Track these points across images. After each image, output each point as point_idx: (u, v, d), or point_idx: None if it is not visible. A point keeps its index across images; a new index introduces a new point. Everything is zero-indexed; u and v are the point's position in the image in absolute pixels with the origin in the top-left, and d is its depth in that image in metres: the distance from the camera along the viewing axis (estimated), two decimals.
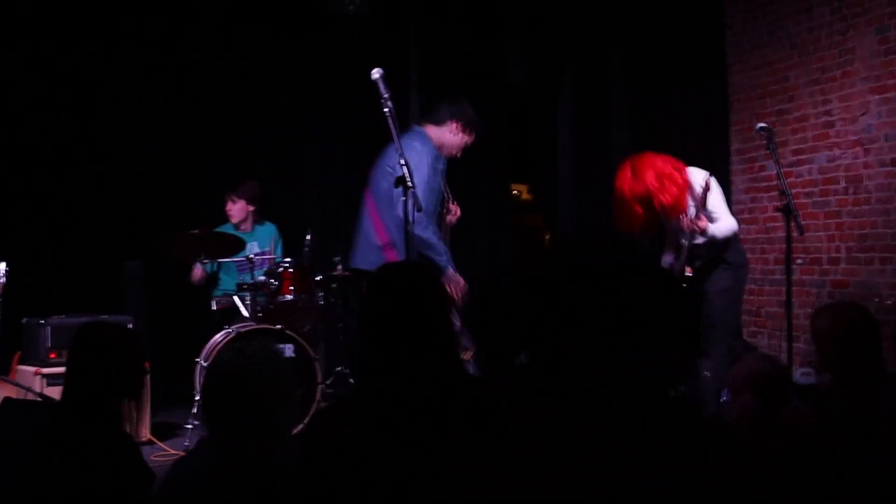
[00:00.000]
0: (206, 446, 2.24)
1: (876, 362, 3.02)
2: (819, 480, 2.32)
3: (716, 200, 4.82)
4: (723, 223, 4.80)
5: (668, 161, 4.91)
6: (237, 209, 5.99)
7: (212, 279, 6.01)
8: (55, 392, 4.09)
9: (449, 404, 1.91)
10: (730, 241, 4.87)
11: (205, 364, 5.00)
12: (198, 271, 5.81)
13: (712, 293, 4.86)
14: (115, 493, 2.36)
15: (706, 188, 4.72)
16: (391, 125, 4.14)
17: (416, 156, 4.46)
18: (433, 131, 4.82)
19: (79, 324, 2.73)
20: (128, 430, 2.57)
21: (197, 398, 4.98)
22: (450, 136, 4.84)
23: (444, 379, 1.95)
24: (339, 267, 5.88)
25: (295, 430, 4.46)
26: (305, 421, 4.77)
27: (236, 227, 6.00)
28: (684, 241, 4.81)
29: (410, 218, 3.89)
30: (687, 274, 5.03)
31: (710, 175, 4.81)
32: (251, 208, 6.05)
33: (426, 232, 4.46)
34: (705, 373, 4.81)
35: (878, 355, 3.03)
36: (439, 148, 4.78)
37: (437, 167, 4.72)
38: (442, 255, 4.56)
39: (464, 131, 4.86)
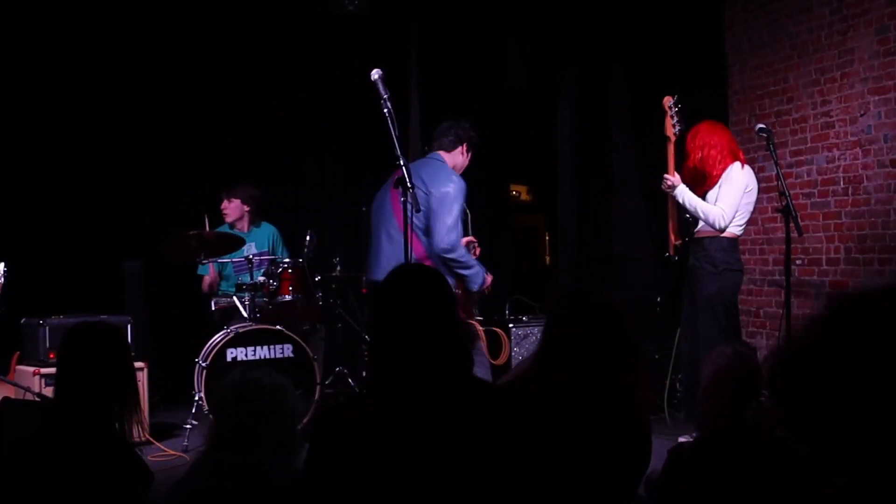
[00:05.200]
0: (203, 464, 2.25)
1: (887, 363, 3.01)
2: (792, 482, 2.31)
3: (724, 190, 4.88)
4: (712, 207, 4.85)
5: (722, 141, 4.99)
6: (232, 208, 5.99)
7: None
8: (52, 393, 4.10)
9: (457, 408, 1.91)
10: (719, 242, 4.88)
11: (204, 364, 5.00)
12: (207, 279, 5.87)
13: (703, 299, 4.88)
14: (111, 492, 2.36)
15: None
16: (390, 126, 4.15)
17: (460, 192, 4.71)
18: (448, 158, 4.89)
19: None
20: (122, 429, 2.56)
21: (196, 398, 4.98)
22: (461, 158, 4.95)
23: (452, 383, 1.95)
24: (339, 268, 5.89)
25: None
26: (304, 421, 4.76)
27: (231, 226, 6.00)
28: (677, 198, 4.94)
29: (410, 218, 3.90)
30: (675, 243, 5.06)
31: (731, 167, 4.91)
32: (247, 209, 6.04)
33: (459, 252, 4.65)
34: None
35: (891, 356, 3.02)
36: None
37: None
38: (474, 265, 4.73)
39: (468, 151, 4.98)
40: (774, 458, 2.16)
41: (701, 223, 4.97)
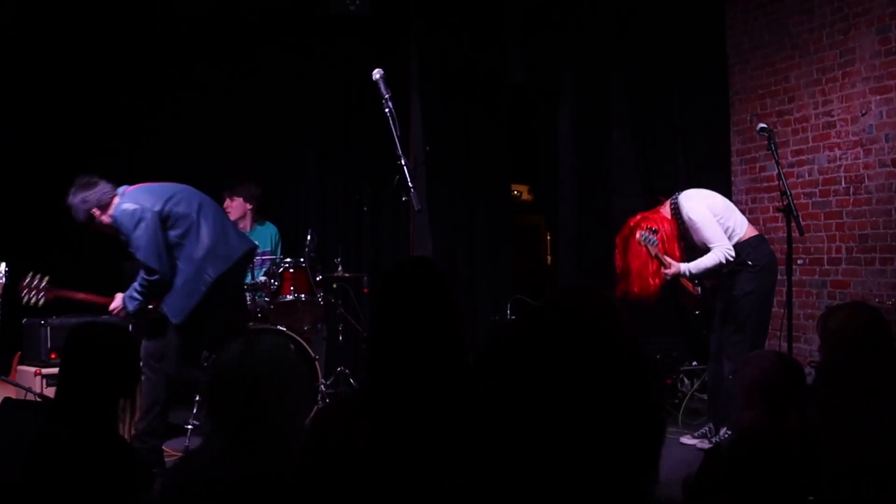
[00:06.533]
0: (215, 441, 2.22)
1: (886, 362, 3.02)
2: (829, 485, 2.30)
3: (703, 232, 4.89)
4: (709, 255, 4.86)
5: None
6: (234, 207, 6.00)
7: None
8: (54, 392, 4.09)
9: (456, 404, 1.90)
10: (746, 244, 4.90)
11: (204, 364, 4.99)
12: None
13: (737, 296, 4.89)
14: (111, 492, 2.35)
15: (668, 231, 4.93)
16: (392, 125, 4.15)
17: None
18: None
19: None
20: (122, 430, 2.56)
21: (197, 398, 4.97)
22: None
23: (451, 378, 1.94)
24: (340, 268, 5.88)
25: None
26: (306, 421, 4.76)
27: (234, 225, 5.99)
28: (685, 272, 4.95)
29: (413, 218, 3.90)
30: (697, 295, 5.08)
31: (673, 212, 4.97)
32: (249, 207, 6.05)
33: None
34: (729, 376, 4.82)
35: (888, 356, 3.03)
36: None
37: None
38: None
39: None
40: (815, 463, 2.15)
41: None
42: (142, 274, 4.47)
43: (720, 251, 4.83)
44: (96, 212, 4.51)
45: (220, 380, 2.24)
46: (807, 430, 2.73)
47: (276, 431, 2.17)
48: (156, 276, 4.43)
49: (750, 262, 4.87)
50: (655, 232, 4.89)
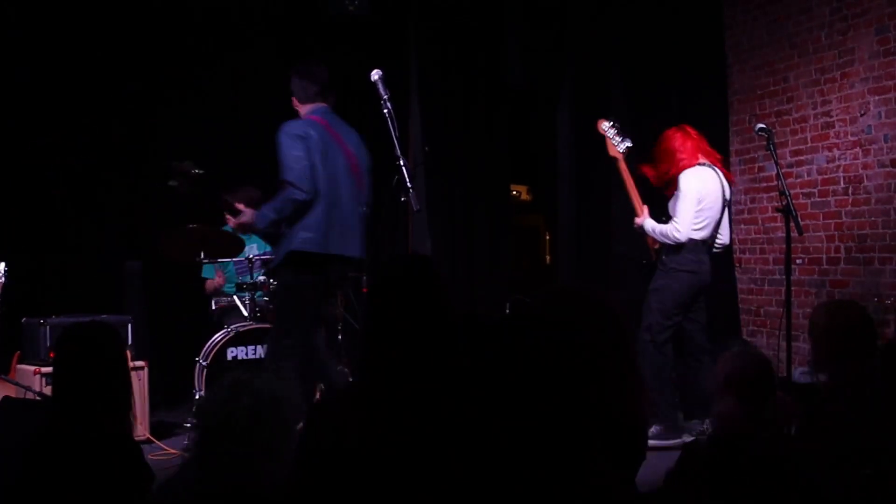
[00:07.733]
0: (189, 470, 2.21)
1: (869, 359, 3.03)
2: (809, 478, 2.31)
3: (678, 203, 4.96)
4: (665, 226, 4.98)
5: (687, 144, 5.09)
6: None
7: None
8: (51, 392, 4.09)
9: (450, 399, 1.91)
10: (680, 245, 4.96)
11: (204, 363, 5.00)
12: (211, 283, 5.87)
13: (649, 290, 5.07)
14: (112, 491, 2.36)
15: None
16: (390, 126, 4.16)
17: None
18: None
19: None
20: (123, 427, 2.57)
21: (197, 398, 4.98)
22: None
23: (445, 373, 1.95)
24: None
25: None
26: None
27: (234, 229, 6.00)
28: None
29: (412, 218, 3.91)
30: (654, 248, 5.17)
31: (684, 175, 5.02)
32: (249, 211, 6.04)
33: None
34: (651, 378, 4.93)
35: (872, 353, 3.04)
36: None
37: None
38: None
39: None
40: (789, 457, 2.16)
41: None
42: (285, 192, 4.29)
43: (673, 227, 4.93)
44: (294, 98, 4.64)
45: (204, 408, 2.23)
46: (779, 423, 2.75)
47: (249, 460, 2.14)
48: (303, 196, 4.25)
49: (664, 258, 4.98)
50: (629, 139, 5.15)
